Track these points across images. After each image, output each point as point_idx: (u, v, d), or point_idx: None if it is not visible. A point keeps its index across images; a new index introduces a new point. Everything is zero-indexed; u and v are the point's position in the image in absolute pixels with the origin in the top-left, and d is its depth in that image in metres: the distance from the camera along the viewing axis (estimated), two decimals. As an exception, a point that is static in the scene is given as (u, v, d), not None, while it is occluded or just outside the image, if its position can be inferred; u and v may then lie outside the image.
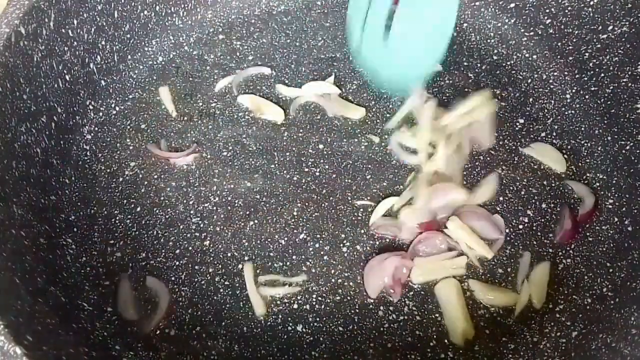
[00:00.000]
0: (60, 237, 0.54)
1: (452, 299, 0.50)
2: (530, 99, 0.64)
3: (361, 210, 0.56)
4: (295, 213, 0.56)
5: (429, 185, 0.54)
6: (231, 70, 0.67)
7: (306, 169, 0.59)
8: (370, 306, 0.51)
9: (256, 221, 0.56)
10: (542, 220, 0.55)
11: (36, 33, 0.52)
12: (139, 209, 0.57)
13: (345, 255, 0.54)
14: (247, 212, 0.57)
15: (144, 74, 0.67)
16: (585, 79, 0.62)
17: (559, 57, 0.64)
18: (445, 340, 0.49)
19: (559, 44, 0.64)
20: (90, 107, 0.62)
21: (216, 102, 0.65)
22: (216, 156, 0.61)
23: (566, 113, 0.62)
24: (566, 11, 0.62)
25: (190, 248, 0.54)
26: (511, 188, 0.57)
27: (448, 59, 0.67)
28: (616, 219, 0.54)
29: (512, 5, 0.68)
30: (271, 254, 0.54)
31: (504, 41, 0.68)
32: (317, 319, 0.50)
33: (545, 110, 0.63)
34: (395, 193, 0.57)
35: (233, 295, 0.52)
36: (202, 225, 0.56)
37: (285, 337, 0.50)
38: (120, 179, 0.59)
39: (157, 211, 0.57)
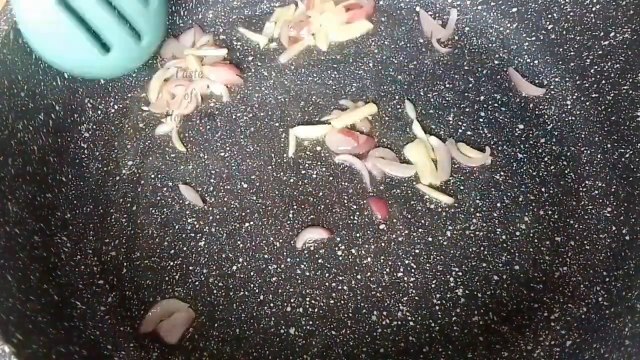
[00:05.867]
0: (55, 235, 0.54)
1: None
2: (531, 105, 0.63)
3: (357, 213, 0.56)
4: (290, 215, 0.56)
5: None
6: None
7: (303, 171, 0.59)
8: (364, 310, 0.51)
9: (252, 223, 0.56)
10: (540, 227, 0.55)
11: (35, 31, 0.52)
12: (134, 208, 0.57)
13: (340, 258, 0.53)
14: (243, 214, 0.56)
15: (142, 72, 0.67)
16: (586, 85, 0.61)
17: (560, 62, 0.64)
18: (439, 347, 0.49)
19: (561, 49, 0.63)
20: (89, 105, 0.62)
21: (215, 103, 0.65)
22: (214, 157, 0.60)
23: (566, 119, 0.62)
24: (568, 17, 0.62)
25: (185, 248, 0.54)
26: (509, 194, 0.57)
27: (449, 62, 0.66)
28: (614, 228, 0.54)
29: (514, 9, 0.67)
30: (265, 256, 0.54)
31: (506, 46, 0.67)
32: (310, 322, 0.50)
33: (546, 116, 0.62)
34: (393, 195, 0.57)
35: (226, 297, 0.52)
36: (197, 226, 0.56)
37: (278, 339, 0.49)
38: (117, 178, 0.59)
39: (153, 211, 0.57)
